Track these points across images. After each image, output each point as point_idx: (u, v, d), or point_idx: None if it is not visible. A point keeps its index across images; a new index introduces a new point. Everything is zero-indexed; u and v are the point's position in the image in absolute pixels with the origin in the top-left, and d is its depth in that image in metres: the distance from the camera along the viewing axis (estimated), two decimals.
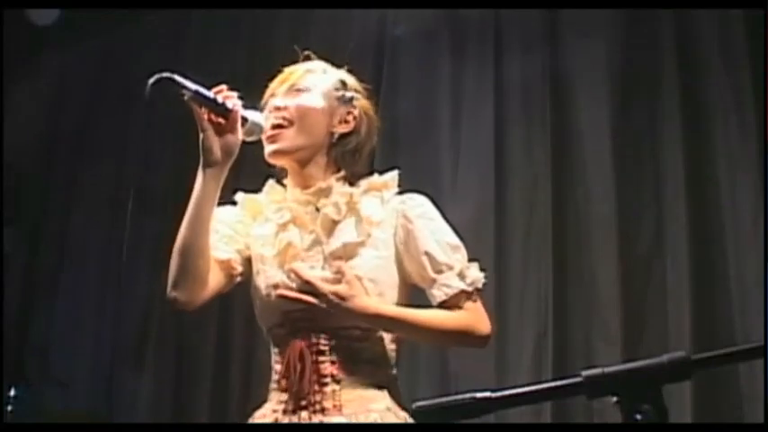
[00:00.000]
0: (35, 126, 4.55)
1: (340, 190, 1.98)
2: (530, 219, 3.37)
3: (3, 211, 4.17)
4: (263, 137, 1.98)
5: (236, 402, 3.62)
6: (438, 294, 1.92)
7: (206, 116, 1.86)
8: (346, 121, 2.03)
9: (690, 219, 3.06)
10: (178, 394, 3.88)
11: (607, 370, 1.11)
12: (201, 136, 1.87)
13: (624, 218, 3.19)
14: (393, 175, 2.04)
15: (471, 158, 3.52)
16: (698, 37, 3.22)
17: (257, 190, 2.10)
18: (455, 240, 1.97)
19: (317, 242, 1.94)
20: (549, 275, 3.24)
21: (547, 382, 1.17)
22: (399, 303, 1.95)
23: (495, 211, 3.39)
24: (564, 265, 3.25)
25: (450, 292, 1.92)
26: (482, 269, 2.00)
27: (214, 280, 1.95)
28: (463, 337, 1.95)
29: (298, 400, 1.86)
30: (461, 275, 1.94)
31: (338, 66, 2.14)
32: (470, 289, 1.94)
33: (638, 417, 1.07)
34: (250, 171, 2.03)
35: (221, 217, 2.00)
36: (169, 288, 1.90)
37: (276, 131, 1.98)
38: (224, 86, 1.90)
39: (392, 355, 1.98)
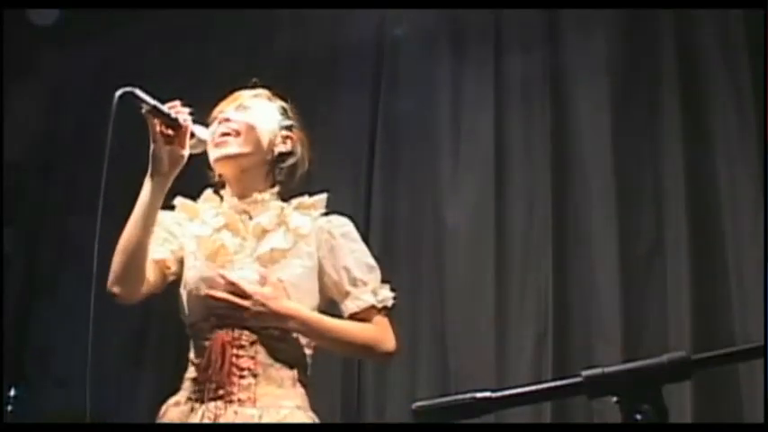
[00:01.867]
0: (35, 126, 4.55)
1: (274, 203, 2.17)
2: (530, 219, 3.37)
3: (3, 211, 4.16)
4: (211, 144, 2.15)
5: None
6: (351, 306, 2.10)
7: (158, 128, 2.02)
8: (285, 142, 2.23)
9: (690, 219, 3.07)
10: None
11: (607, 370, 1.11)
12: (152, 146, 2.02)
13: (624, 218, 3.20)
14: (321, 198, 2.23)
15: (471, 158, 3.52)
16: (698, 37, 3.22)
17: (195, 198, 2.25)
18: (372, 262, 2.17)
19: (247, 247, 2.12)
20: (549, 275, 3.24)
21: (547, 382, 1.17)
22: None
23: (495, 211, 3.40)
24: (564, 265, 3.25)
25: (362, 305, 2.10)
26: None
27: (151, 278, 2.10)
28: (369, 349, 2.13)
29: (216, 390, 2.01)
30: (374, 292, 2.12)
31: (281, 98, 2.31)
32: (380, 305, 2.12)
33: (638, 417, 1.07)
34: (191, 180, 2.15)
35: (159, 220, 2.14)
36: (110, 283, 2.06)
37: (223, 139, 2.16)
38: (177, 102, 2.05)
39: (308, 360, 2.12)
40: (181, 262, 2.16)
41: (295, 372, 2.08)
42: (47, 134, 4.57)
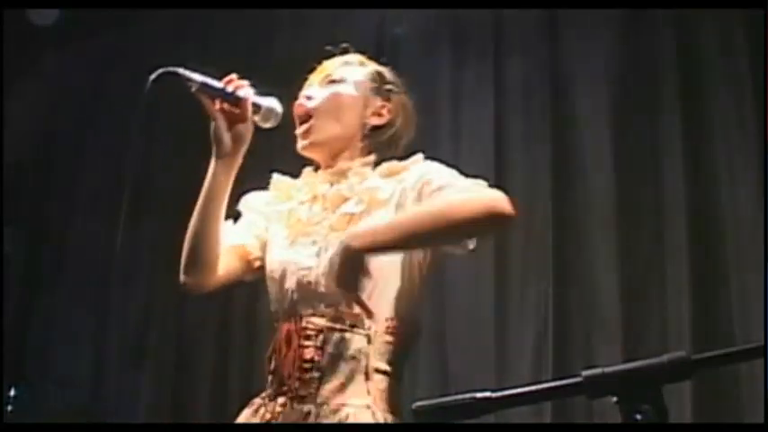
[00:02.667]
0: (35, 126, 4.55)
1: (357, 170, 1.94)
2: (530, 218, 3.37)
3: (3, 211, 4.16)
4: (296, 132, 1.97)
5: (236, 402, 3.61)
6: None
7: (216, 106, 1.87)
8: (380, 114, 2.00)
9: (690, 219, 3.06)
10: (178, 394, 3.88)
11: (607, 370, 1.11)
12: (212, 126, 1.88)
13: (624, 218, 3.19)
14: (414, 159, 1.96)
15: (471, 158, 3.52)
16: (698, 37, 3.22)
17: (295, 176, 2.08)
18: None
19: (324, 217, 1.91)
20: (549, 275, 3.24)
21: (547, 382, 1.17)
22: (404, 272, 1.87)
23: None
24: (564, 265, 3.25)
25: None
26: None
27: (230, 266, 1.97)
28: (488, 214, 1.84)
29: (279, 386, 1.83)
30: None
31: (380, 62, 2.13)
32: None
33: (638, 417, 1.07)
34: (288, 162, 2.03)
35: (250, 202, 2.03)
36: (181, 272, 1.93)
37: (306, 126, 1.97)
38: (234, 75, 1.91)
39: (388, 348, 1.84)
40: (265, 247, 1.99)
41: (371, 364, 1.81)
42: (47, 134, 4.57)
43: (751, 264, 2.93)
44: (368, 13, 3.78)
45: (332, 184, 1.95)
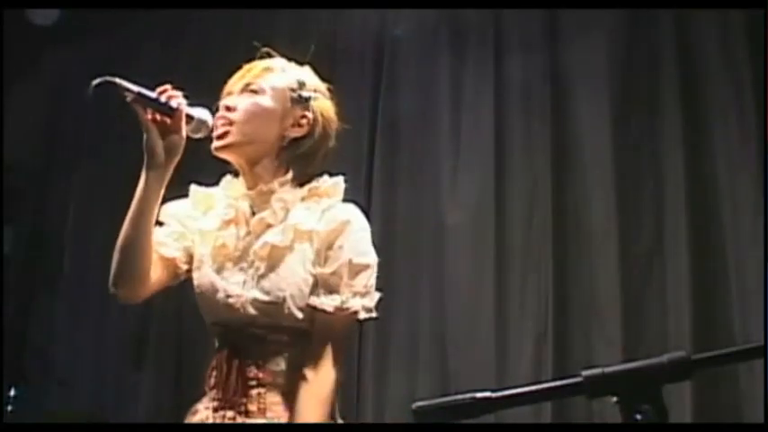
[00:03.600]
0: (35, 126, 4.55)
1: (279, 195, 1.95)
2: (530, 219, 3.37)
3: (3, 211, 4.17)
4: (213, 135, 1.96)
5: None
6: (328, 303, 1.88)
7: (149, 116, 1.87)
8: (299, 125, 1.98)
9: (690, 219, 3.07)
10: (178, 394, 3.88)
11: (607, 370, 1.11)
12: (144, 137, 1.87)
13: (624, 218, 3.20)
14: (335, 184, 1.99)
15: (471, 158, 3.52)
16: (698, 37, 3.22)
17: (216, 184, 2.08)
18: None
19: (249, 243, 1.94)
20: (549, 275, 3.24)
21: (547, 382, 1.17)
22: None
23: (495, 211, 3.40)
24: (564, 264, 3.25)
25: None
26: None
27: (158, 276, 1.97)
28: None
29: (224, 401, 1.88)
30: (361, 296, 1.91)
31: (301, 63, 2.09)
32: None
33: (638, 417, 1.07)
34: (210, 166, 2.02)
35: (173, 211, 2.01)
36: (110, 284, 1.92)
37: (223, 129, 1.95)
38: (168, 86, 1.90)
39: None
40: (191, 260, 2.01)
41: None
42: (47, 134, 4.57)
43: (751, 264, 2.93)
44: (368, 13, 3.78)
45: (253, 208, 1.97)
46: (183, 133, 1.89)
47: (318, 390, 1.85)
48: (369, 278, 1.91)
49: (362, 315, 1.90)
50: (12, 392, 3.62)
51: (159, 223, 2.00)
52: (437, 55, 3.69)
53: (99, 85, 1.84)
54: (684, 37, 3.23)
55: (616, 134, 3.27)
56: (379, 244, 1.99)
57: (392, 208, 3.61)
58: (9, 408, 3.58)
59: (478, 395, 1.13)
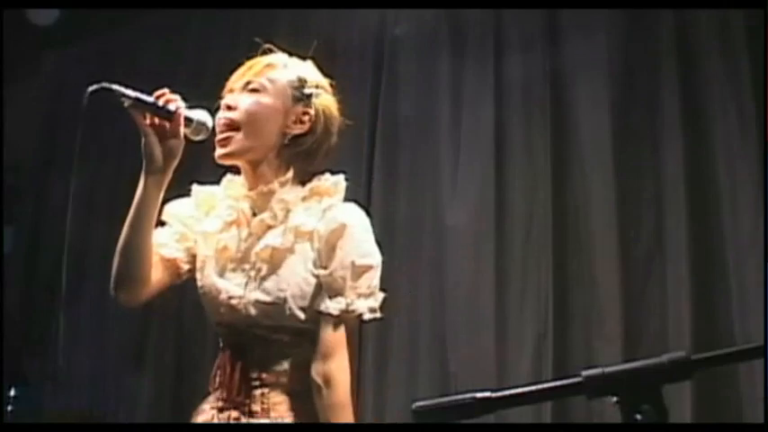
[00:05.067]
0: (35, 126, 4.55)
1: (280, 196, 1.95)
2: (530, 219, 3.37)
3: (3, 211, 4.17)
4: (215, 139, 1.96)
5: None
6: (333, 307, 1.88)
7: (147, 121, 1.87)
8: (301, 122, 1.98)
9: (690, 219, 3.06)
10: (178, 394, 3.88)
11: (607, 370, 1.11)
12: (143, 142, 1.87)
13: (624, 218, 3.19)
14: (336, 183, 2.00)
15: (471, 158, 3.52)
16: (698, 37, 3.22)
17: (217, 182, 2.08)
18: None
19: (250, 245, 1.95)
20: (549, 275, 3.24)
21: (547, 382, 1.17)
22: None
23: (495, 211, 3.40)
24: (564, 265, 3.25)
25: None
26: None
27: (159, 277, 1.98)
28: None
29: (228, 401, 1.91)
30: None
31: (303, 58, 2.08)
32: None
33: (638, 417, 1.07)
34: (211, 165, 2.02)
35: (174, 211, 2.02)
36: (111, 287, 1.93)
37: (225, 135, 1.94)
38: (165, 90, 1.90)
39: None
40: (194, 260, 2.02)
41: (310, 377, 1.90)
42: (47, 134, 4.57)
43: (751, 264, 2.93)
44: (368, 13, 3.78)
45: (253, 209, 1.97)
46: (182, 136, 1.90)
47: (336, 395, 1.86)
48: (372, 279, 1.91)
49: (367, 316, 1.90)
50: (12, 392, 3.62)
51: (161, 223, 2.01)
52: (437, 54, 3.69)
53: (95, 92, 1.84)
54: (684, 37, 3.23)
55: (616, 134, 3.27)
56: (379, 243, 1.99)
57: (392, 207, 3.61)
58: (9, 408, 3.58)
59: (478, 395, 1.14)
